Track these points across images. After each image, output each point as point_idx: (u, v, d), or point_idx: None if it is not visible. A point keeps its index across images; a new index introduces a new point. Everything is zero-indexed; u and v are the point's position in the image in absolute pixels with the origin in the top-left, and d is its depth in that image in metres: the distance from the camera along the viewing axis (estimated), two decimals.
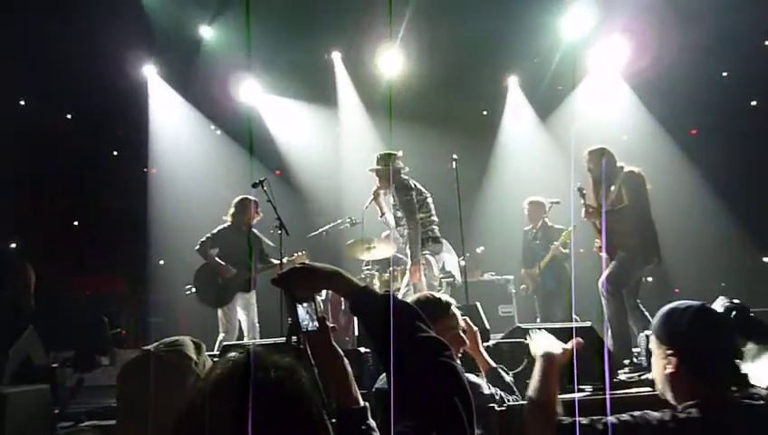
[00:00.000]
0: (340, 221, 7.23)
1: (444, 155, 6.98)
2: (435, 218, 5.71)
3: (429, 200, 5.76)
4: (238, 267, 6.14)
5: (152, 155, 9.11)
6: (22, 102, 8.73)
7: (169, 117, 9.17)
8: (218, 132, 9.36)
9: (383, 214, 5.72)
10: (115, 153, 9.39)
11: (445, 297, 2.76)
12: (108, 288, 8.29)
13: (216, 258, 6.16)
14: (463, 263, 6.64)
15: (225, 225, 6.32)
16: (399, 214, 5.55)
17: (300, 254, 6.33)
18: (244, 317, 6.15)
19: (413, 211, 5.48)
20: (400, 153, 5.89)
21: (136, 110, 8.99)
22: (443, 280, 7.23)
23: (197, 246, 6.19)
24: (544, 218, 7.25)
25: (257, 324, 6.30)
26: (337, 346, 1.64)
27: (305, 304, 1.58)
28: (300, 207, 8.00)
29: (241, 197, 6.30)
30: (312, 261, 4.78)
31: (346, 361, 1.64)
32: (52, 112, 8.85)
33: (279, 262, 6.11)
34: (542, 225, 7.24)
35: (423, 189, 5.75)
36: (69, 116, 9.20)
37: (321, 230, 7.35)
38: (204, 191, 8.34)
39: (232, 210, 6.30)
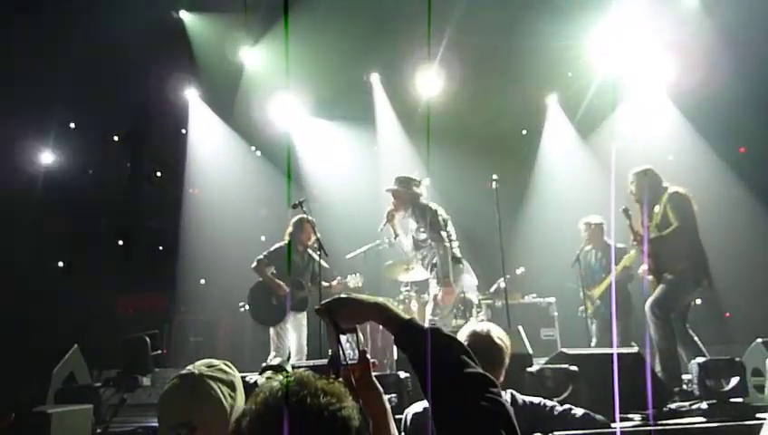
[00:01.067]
0: (378, 242, 7.14)
1: (483, 175, 6.94)
2: (455, 240, 5.67)
3: (450, 221, 5.72)
4: (291, 287, 6.20)
5: (193, 176, 9.28)
6: (72, 125, 8.99)
7: (210, 139, 9.35)
8: (258, 153, 9.50)
9: (397, 236, 5.66)
10: (158, 174, 9.55)
11: None
12: (150, 308, 8.33)
13: (272, 276, 6.17)
14: (503, 285, 6.53)
15: (283, 243, 6.33)
16: (423, 236, 5.46)
17: (354, 276, 6.36)
18: (294, 338, 6.17)
19: (440, 229, 5.43)
20: (427, 181, 5.87)
21: (177, 132, 9.23)
22: (482, 301, 7.18)
23: (254, 264, 6.20)
24: (605, 239, 7.05)
25: (305, 347, 6.31)
26: (377, 382, 1.63)
27: (347, 336, 1.56)
28: (338, 228, 7.83)
29: (299, 216, 6.28)
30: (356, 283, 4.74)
31: (385, 397, 1.62)
32: (99, 135, 9.08)
33: (330, 283, 6.19)
34: (602, 245, 7.03)
35: (443, 211, 5.73)
36: (116, 138, 9.42)
37: (359, 251, 7.28)
38: (243, 212, 8.46)
39: (290, 229, 6.31)
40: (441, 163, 5.78)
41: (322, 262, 6.09)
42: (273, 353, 6.02)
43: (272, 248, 6.27)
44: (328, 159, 9.52)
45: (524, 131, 9.71)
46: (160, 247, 9.21)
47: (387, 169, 8.15)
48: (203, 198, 9.24)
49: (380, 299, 1.59)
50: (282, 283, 6.12)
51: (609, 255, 6.89)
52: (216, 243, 8.41)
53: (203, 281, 9.11)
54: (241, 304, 6.47)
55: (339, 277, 6.25)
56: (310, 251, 6.36)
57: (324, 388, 1.23)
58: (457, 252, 5.64)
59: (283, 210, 6.73)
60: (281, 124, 9.04)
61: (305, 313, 6.24)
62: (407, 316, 1.54)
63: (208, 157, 9.27)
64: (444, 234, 5.43)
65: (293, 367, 4.26)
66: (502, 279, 6.50)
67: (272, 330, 6.07)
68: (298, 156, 9.47)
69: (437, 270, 5.43)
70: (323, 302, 1.58)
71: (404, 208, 5.58)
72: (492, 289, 7.44)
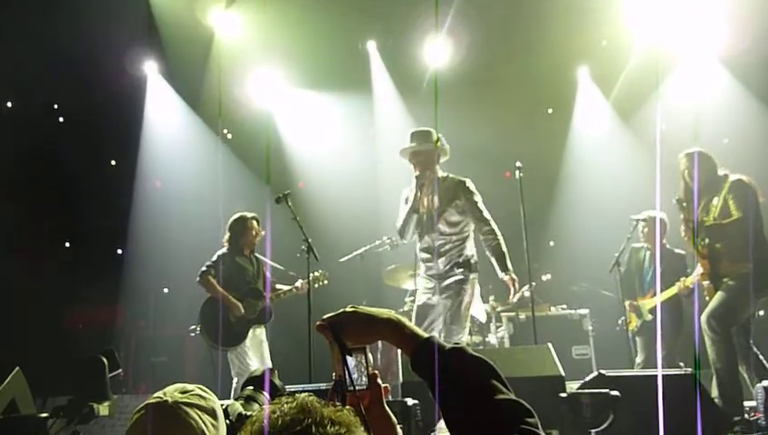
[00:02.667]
0: (378, 242, 7.14)
1: (502, 163, 7.02)
2: None
3: None
4: (246, 298, 6.20)
5: (155, 166, 9.21)
6: (9, 104, 8.90)
7: (173, 120, 9.26)
8: (230, 136, 9.33)
9: (419, 215, 5.27)
10: (113, 162, 9.45)
11: None
12: (104, 322, 8.26)
13: (225, 292, 6.18)
14: (528, 294, 6.48)
15: (223, 250, 6.33)
16: (456, 217, 5.26)
17: (317, 274, 6.28)
18: (255, 357, 6.21)
19: (482, 209, 5.31)
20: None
21: (135, 112, 9.13)
22: (502, 314, 7.16)
23: (198, 277, 6.20)
24: (663, 241, 6.79)
25: (270, 365, 6.30)
26: (389, 411, 1.62)
27: (354, 356, 1.55)
28: (329, 226, 7.88)
29: (237, 215, 6.31)
30: (334, 286, 5.54)
31: (398, 427, 1.63)
32: (41, 116, 8.98)
33: (291, 288, 6.21)
34: (660, 248, 6.74)
35: None
36: (61, 119, 9.34)
37: (355, 253, 7.26)
38: (215, 208, 7.92)
39: (227, 234, 6.33)
40: (452, 148, 5.68)
41: (274, 263, 6.18)
42: (235, 379, 6.06)
43: (214, 257, 6.25)
44: (316, 144, 9.42)
45: (550, 110, 9.53)
46: (117, 251, 9.14)
47: (386, 154, 7.81)
48: (167, 191, 9.21)
49: (392, 313, 1.58)
50: (237, 302, 6.13)
51: (670, 260, 6.67)
52: (183, 245, 8.32)
53: (166, 290, 9.07)
54: (192, 326, 6.48)
55: (300, 280, 6.24)
56: (256, 254, 6.41)
57: (332, 416, 1.22)
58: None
59: (262, 205, 6.71)
60: (259, 102, 8.98)
61: (263, 327, 6.28)
62: (425, 334, 1.52)
63: (172, 143, 9.19)
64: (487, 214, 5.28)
65: (292, 393, 4.25)
66: (526, 287, 6.40)
67: (229, 352, 6.13)
68: (280, 140, 9.37)
69: (470, 264, 5.26)
70: (327, 316, 1.55)
71: (429, 177, 5.30)
72: (514, 299, 7.35)
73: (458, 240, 5.19)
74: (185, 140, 9.15)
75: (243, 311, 6.03)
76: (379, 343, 6.25)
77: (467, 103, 8.21)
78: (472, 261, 5.19)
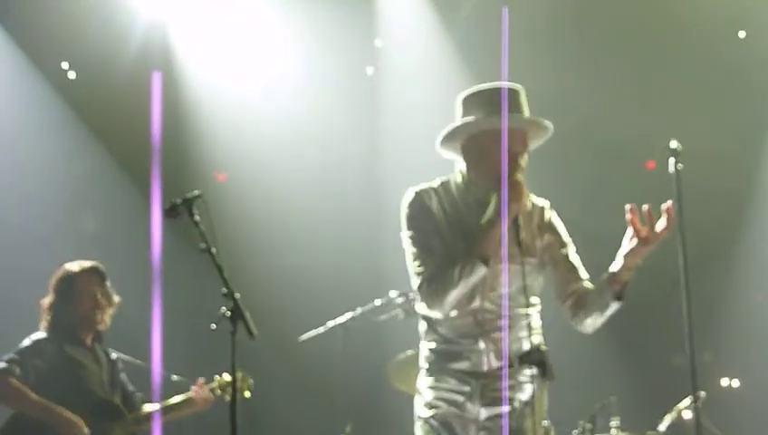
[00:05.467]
0: (380, 303, 5.33)
1: (639, 145, 5.82)
2: None
3: None
4: (93, 420, 4.69)
5: None
6: None
7: None
8: (73, 76, 6.88)
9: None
10: None
11: None
12: None
13: (44, 401, 4.66)
14: (689, 414, 4.82)
15: (41, 334, 4.79)
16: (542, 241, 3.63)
17: (220, 380, 4.89)
18: None
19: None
20: None
21: None
22: None
23: None
24: None
25: None
26: None
27: None
28: (281, 264, 6.41)
29: (65, 269, 4.77)
30: (280, 396, 5.85)
31: None
32: None
33: (182, 399, 4.79)
34: None
35: None
36: None
37: (333, 324, 5.42)
38: (44, 219, 6.34)
39: (50, 298, 4.74)
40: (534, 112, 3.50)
41: (132, 359, 4.96)
42: None
43: (23, 345, 4.78)
44: (257, 95, 6.87)
45: (743, 33, 7.06)
46: None
47: (398, 122, 6.37)
48: None
49: None
50: (66, 413, 4.64)
51: None
52: None
53: None
54: None
55: (200, 380, 4.89)
56: (107, 348, 4.94)
57: None
58: None
59: (138, 220, 5.54)
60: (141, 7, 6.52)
61: None
62: None
63: None
64: None
65: None
66: (683, 404, 4.92)
67: None
68: (182, 86, 6.83)
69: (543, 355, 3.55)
70: None
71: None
72: (661, 426, 5.14)
73: (532, 310, 3.60)
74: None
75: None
76: None
77: (565, 26, 6.45)
78: (544, 350, 3.56)
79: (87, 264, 4.80)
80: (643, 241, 3.03)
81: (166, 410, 4.83)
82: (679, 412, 5.06)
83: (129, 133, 6.68)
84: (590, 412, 5.02)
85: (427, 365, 3.53)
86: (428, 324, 3.51)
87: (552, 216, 3.49)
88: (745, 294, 6.77)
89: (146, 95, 6.14)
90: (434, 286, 3.29)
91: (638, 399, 5.78)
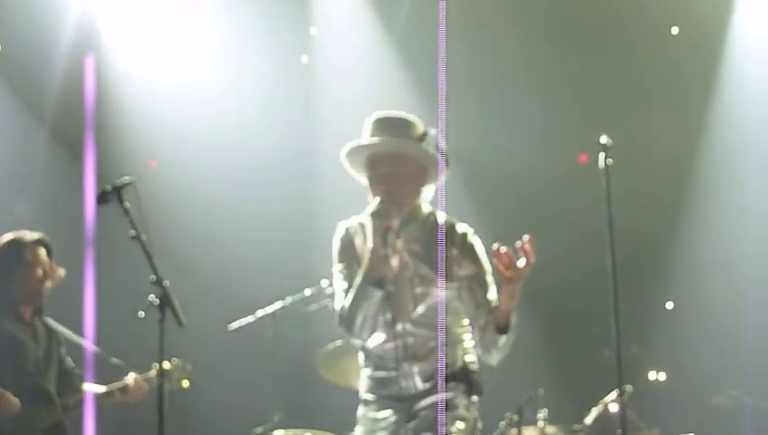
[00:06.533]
0: (310, 293, 5.32)
1: (572, 139, 5.83)
2: None
3: None
4: (28, 401, 4.53)
5: None
6: None
7: None
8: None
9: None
10: None
11: None
12: None
13: None
14: (615, 407, 4.93)
15: None
16: (465, 271, 3.56)
17: (172, 364, 4.74)
18: None
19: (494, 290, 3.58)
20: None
21: None
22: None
23: None
24: None
25: None
26: None
27: None
28: (211, 252, 6.29)
29: (11, 239, 4.63)
30: (208, 387, 5.32)
31: None
32: None
33: (114, 388, 4.62)
34: None
35: None
36: None
37: (262, 313, 5.35)
38: None
39: None
40: (471, 104, 4.80)
41: (76, 337, 4.75)
42: None
43: None
44: (189, 78, 6.77)
45: (675, 29, 7.03)
46: None
47: (334, 111, 6.30)
48: None
49: None
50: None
51: None
52: None
53: None
54: None
55: (133, 374, 4.69)
56: (48, 319, 4.75)
57: None
58: None
59: (68, 208, 5.61)
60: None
61: None
62: None
63: None
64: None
65: None
66: (613, 395, 4.84)
67: None
68: (109, 64, 6.55)
69: (470, 375, 3.57)
70: None
71: (409, 207, 3.59)
72: (587, 419, 5.20)
73: (461, 330, 3.72)
74: None
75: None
76: None
77: (502, 20, 6.48)
78: (472, 368, 3.63)
79: (35, 235, 4.66)
80: (506, 280, 3.08)
81: (99, 397, 4.68)
82: (606, 405, 5.12)
83: (62, 117, 6.57)
84: (518, 404, 4.98)
85: (364, 397, 3.56)
86: (365, 353, 3.57)
87: (474, 242, 3.50)
88: (674, 288, 6.85)
89: (79, 80, 6.17)
90: (345, 315, 3.37)
91: (565, 392, 5.80)
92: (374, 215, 3.30)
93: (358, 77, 6.70)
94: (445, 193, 3.71)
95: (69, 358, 4.67)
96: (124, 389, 4.56)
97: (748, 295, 6.49)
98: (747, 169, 6.92)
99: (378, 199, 3.32)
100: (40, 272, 4.49)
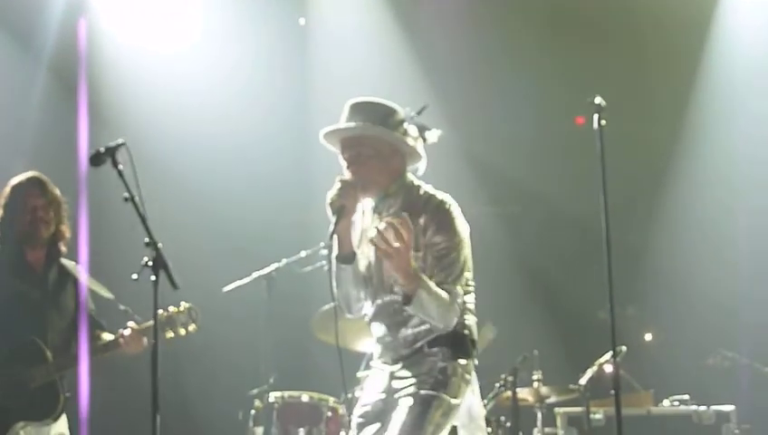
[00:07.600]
0: (305, 254, 5.27)
1: (567, 100, 5.64)
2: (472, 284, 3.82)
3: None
4: (11, 364, 4.38)
5: None
6: None
7: None
8: None
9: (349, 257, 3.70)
10: None
11: None
12: None
13: None
14: (610, 368, 4.80)
15: None
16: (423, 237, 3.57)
17: (175, 311, 4.40)
18: None
19: (460, 260, 3.48)
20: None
21: None
22: (556, 408, 5.48)
23: None
24: None
25: None
26: None
27: None
28: (206, 215, 6.26)
29: (9, 184, 4.47)
30: (207, 342, 5.11)
31: None
32: None
33: (113, 338, 4.40)
34: None
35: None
36: None
37: (257, 275, 5.26)
38: None
39: None
40: (469, 77, 5.12)
41: (99, 288, 4.48)
42: None
43: None
44: (178, 43, 6.69)
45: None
46: None
47: (329, 84, 6.34)
48: None
49: None
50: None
51: None
52: None
53: None
54: None
55: (133, 322, 4.38)
56: (64, 262, 4.57)
57: None
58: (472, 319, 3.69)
59: (62, 169, 5.04)
60: None
61: (65, 418, 4.43)
62: None
63: None
64: (467, 274, 3.57)
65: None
66: (606, 357, 4.85)
67: None
68: (99, 31, 6.36)
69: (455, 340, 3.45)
70: None
71: (380, 185, 3.55)
72: (582, 380, 5.17)
73: None
74: None
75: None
76: None
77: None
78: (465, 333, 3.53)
79: (26, 174, 4.47)
80: (383, 254, 3.14)
81: (97, 349, 4.46)
82: (600, 366, 5.14)
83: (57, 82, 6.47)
84: (512, 365, 4.95)
85: (367, 368, 3.80)
86: (370, 328, 3.65)
87: (446, 212, 3.48)
88: (671, 249, 6.83)
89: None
90: (334, 294, 3.51)
91: (560, 353, 5.82)
92: (334, 197, 3.32)
93: (355, 42, 6.65)
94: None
95: (91, 304, 4.53)
96: (120, 340, 4.36)
97: (743, 251, 6.46)
98: (737, 119, 6.73)
99: (337, 181, 3.34)
100: (29, 214, 4.31)
